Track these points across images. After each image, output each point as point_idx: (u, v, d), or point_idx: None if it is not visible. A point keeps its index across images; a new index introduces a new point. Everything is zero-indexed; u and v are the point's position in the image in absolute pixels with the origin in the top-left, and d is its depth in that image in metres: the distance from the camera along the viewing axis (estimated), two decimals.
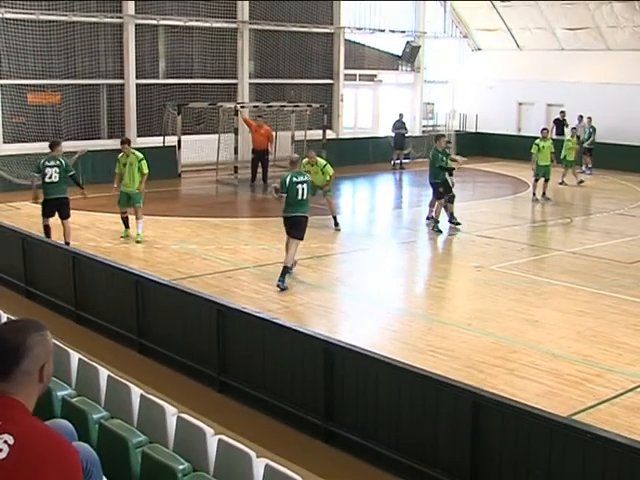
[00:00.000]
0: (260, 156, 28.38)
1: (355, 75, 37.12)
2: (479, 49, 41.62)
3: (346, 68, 36.26)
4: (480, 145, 37.50)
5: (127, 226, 19.29)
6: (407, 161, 34.43)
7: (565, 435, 7.41)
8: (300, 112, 31.78)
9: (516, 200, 27.39)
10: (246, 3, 32.20)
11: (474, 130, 39.21)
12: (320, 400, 9.38)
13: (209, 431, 6.51)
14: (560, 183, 29.44)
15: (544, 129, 27.40)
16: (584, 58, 36.35)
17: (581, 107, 34.67)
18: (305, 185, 15.53)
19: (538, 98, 37.54)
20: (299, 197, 15.45)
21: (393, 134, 34.26)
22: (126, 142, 19.55)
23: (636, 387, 10.85)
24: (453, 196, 21.53)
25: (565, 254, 18.84)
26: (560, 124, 35.61)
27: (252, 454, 6.08)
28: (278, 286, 15.12)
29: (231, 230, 20.93)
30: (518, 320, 13.66)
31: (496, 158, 35.46)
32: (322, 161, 21.10)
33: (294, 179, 15.36)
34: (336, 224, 21.00)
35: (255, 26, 32.75)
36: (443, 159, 21.03)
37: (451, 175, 21.28)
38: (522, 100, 38.53)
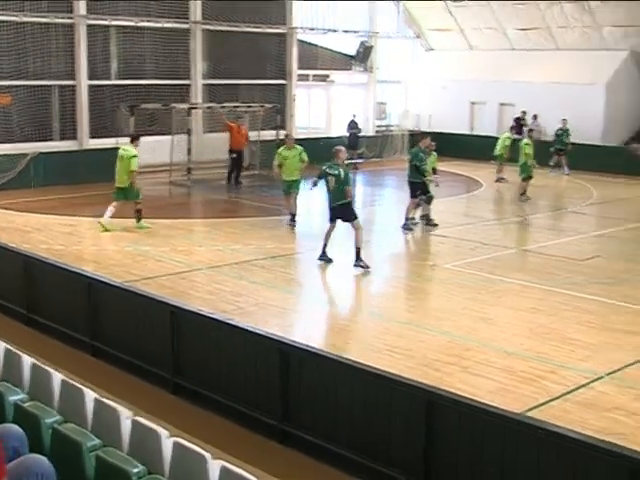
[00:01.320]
0: (239, 155, 28.86)
1: (308, 75, 37.10)
2: (432, 49, 41.79)
3: (299, 68, 36.22)
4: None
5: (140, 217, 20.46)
6: (361, 161, 34.52)
7: (518, 432, 7.47)
8: (253, 112, 31.71)
9: (470, 199, 27.57)
10: (198, 3, 32.04)
11: (427, 130, 39.31)
12: (275, 401, 9.37)
13: (164, 433, 6.48)
14: (497, 180, 29.99)
15: (531, 129, 27.70)
16: (535, 58, 36.63)
17: (532, 106, 35.03)
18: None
19: (490, 98, 37.77)
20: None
21: (347, 134, 34.31)
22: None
23: (588, 383, 10.95)
24: (431, 197, 21.52)
25: (518, 252, 19.01)
26: (520, 123, 35.94)
27: (207, 456, 6.06)
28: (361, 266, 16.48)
29: (185, 232, 20.82)
30: (472, 318, 13.74)
31: (450, 157, 35.58)
32: (299, 147, 21.54)
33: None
34: (293, 221, 21.16)
35: (208, 26, 32.56)
36: (422, 159, 21.04)
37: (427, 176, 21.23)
38: (475, 100, 38.73)
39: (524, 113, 35.88)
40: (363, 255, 16.71)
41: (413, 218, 21.48)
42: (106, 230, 19.89)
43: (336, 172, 16.62)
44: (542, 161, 28.26)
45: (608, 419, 9.81)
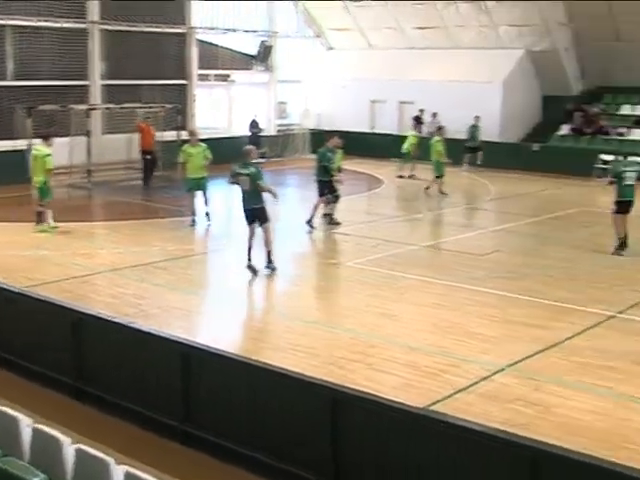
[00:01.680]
0: (152, 156, 28.90)
1: (209, 75, 36.90)
2: (332, 48, 41.96)
3: (199, 68, 35.99)
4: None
5: (41, 221, 20.37)
6: (263, 161, 34.42)
7: (422, 426, 7.56)
8: (154, 113, 31.39)
9: (371, 196, 27.77)
10: (96, 3, 31.54)
11: (328, 128, 39.42)
12: (177, 402, 9.31)
13: (66, 440, 6.38)
14: (400, 177, 30.44)
15: (440, 127, 27.98)
16: (434, 56, 37.08)
17: (432, 104, 35.42)
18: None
19: (390, 96, 38.07)
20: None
21: (249, 134, 34.23)
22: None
23: (490, 375, 11.15)
24: (337, 196, 21.66)
25: (420, 248, 19.21)
26: (419, 121, 36.35)
27: (111, 461, 6.01)
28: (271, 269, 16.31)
29: (86, 235, 20.53)
30: (376, 315, 13.85)
31: (351, 156, 35.75)
32: (203, 145, 21.70)
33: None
34: (194, 222, 21.22)
35: (106, 26, 32.13)
36: (330, 159, 21.16)
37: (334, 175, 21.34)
38: (375, 98, 38.99)
39: (422, 111, 36.28)
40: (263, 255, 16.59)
41: (332, 216, 21.62)
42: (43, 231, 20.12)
43: (249, 171, 16.25)
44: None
45: (510, 410, 9.99)
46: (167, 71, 34.79)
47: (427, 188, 26.94)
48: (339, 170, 22.27)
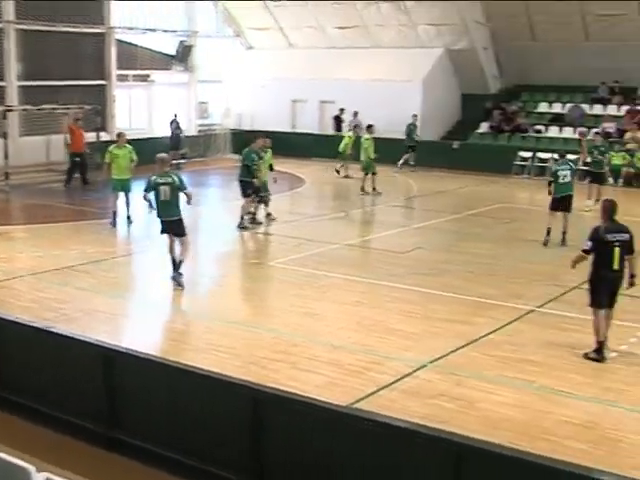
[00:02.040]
0: (82, 158, 28.34)
1: (128, 75, 36.54)
2: (252, 48, 41.88)
3: (119, 69, 35.59)
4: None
5: None
6: (184, 161, 34.25)
7: (346, 424, 7.58)
8: (75, 114, 30.91)
9: (293, 196, 27.78)
10: (11, 2, 30.99)
11: (249, 128, 39.34)
12: (101, 407, 9.20)
13: None
14: (344, 176, 30.65)
15: (370, 125, 28.02)
16: (354, 56, 37.24)
17: (353, 103, 35.56)
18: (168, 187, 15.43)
19: (311, 95, 38.15)
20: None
21: (170, 134, 33.96)
22: None
23: (413, 372, 11.24)
24: (263, 197, 21.78)
25: (342, 247, 19.27)
26: (339, 121, 36.49)
27: (31, 468, 5.90)
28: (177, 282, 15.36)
29: (4, 238, 20.13)
30: (298, 314, 13.86)
31: (272, 155, 35.80)
32: (129, 146, 21.68)
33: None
34: (114, 223, 21.16)
35: (22, 26, 31.61)
36: (254, 159, 21.12)
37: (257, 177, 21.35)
38: (296, 97, 39.02)
39: (342, 111, 36.42)
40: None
41: (254, 215, 21.66)
42: None
43: (169, 180, 15.45)
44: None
45: (433, 405, 10.10)
46: (86, 71, 34.33)
47: (362, 188, 27.10)
48: (271, 168, 22.37)
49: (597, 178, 24.37)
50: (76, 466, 8.39)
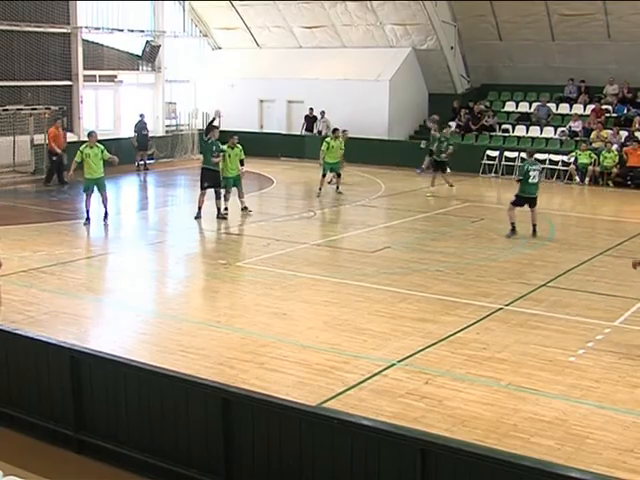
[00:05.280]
0: (60, 158, 28.41)
1: (95, 76, 36.28)
2: (219, 48, 41.79)
3: (85, 69, 35.29)
4: (224, 143, 37.46)
5: None
6: (151, 162, 34.11)
7: (314, 424, 7.56)
8: (38, 115, 30.74)
9: (262, 196, 27.71)
10: None
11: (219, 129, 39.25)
12: (69, 410, 9.11)
13: None
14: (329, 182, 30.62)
15: (335, 129, 27.97)
16: (322, 55, 37.31)
17: (321, 103, 35.62)
18: None
19: (279, 95, 38.16)
20: None
21: (135, 135, 33.76)
22: None
23: (382, 371, 11.25)
24: (227, 192, 22.56)
25: (310, 246, 19.26)
26: (310, 120, 36.47)
27: None
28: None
29: None
30: (266, 314, 13.83)
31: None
32: (101, 145, 21.81)
33: None
34: (88, 221, 21.41)
35: None
36: (212, 150, 22.14)
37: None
38: (263, 97, 39.01)
39: (311, 110, 36.42)
40: (153, 257, 16.38)
41: (222, 210, 22.31)
42: None
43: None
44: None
45: (402, 404, 10.10)
46: (52, 72, 34.07)
47: (337, 188, 27.31)
48: (242, 163, 23.23)
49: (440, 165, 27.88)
50: (44, 469, 8.33)
